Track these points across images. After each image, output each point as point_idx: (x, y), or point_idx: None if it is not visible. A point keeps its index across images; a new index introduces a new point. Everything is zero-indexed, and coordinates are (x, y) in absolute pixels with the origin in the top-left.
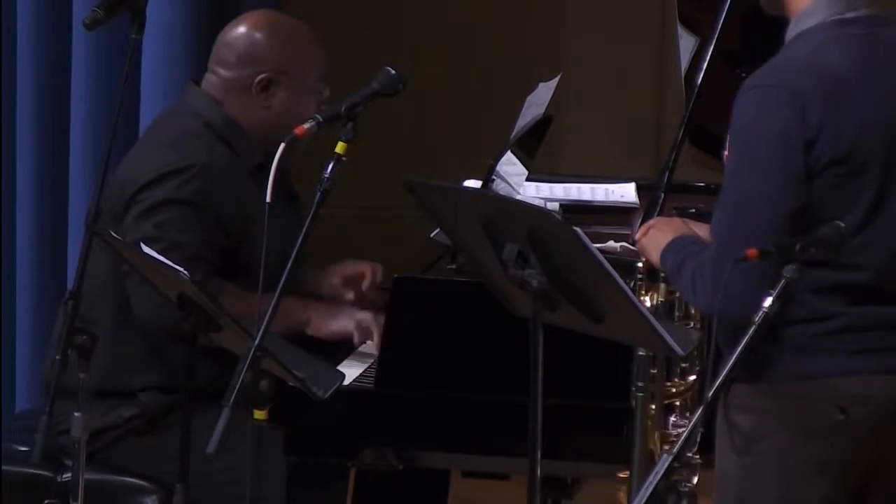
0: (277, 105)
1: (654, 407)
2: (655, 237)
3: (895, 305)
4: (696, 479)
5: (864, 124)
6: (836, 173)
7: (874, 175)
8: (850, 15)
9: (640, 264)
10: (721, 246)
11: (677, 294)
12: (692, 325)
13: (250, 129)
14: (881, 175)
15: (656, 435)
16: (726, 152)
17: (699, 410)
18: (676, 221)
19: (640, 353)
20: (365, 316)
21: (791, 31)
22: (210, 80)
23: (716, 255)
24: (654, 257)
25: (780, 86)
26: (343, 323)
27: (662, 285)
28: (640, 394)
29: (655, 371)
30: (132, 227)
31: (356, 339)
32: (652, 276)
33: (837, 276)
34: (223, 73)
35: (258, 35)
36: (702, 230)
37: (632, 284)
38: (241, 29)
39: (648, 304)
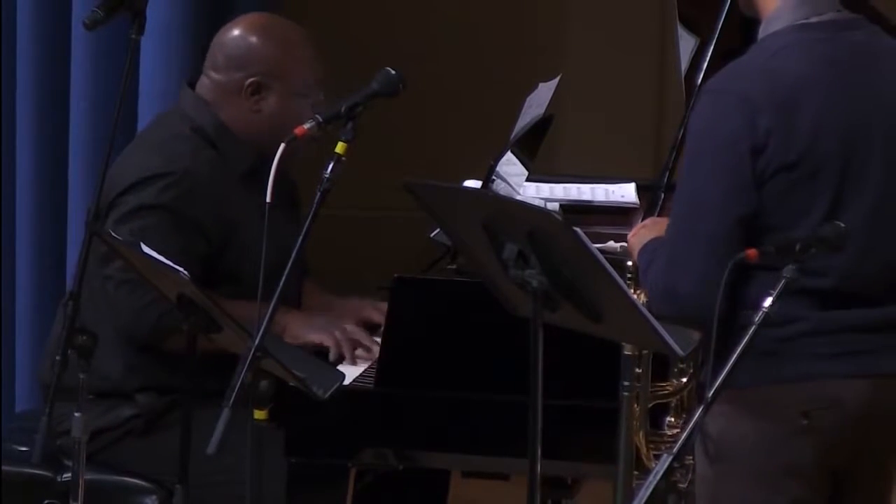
0: (268, 109)
1: (637, 407)
2: (642, 237)
3: (864, 308)
4: (689, 479)
5: (819, 129)
6: (788, 178)
7: (830, 180)
8: (813, 19)
9: (629, 263)
10: (669, 247)
11: None
12: None
13: (242, 133)
14: (838, 180)
15: (641, 434)
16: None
17: (699, 411)
18: (666, 222)
19: (626, 352)
20: (342, 335)
21: (761, 34)
22: (203, 83)
23: (664, 257)
24: (636, 257)
25: (731, 91)
26: (320, 336)
27: None
28: (626, 393)
29: (641, 370)
30: (111, 229)
31: (331, 356)
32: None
33: (800, 280)
34: (214, 76)
35: (250, 38)
36: None
37: None
38: (235, 32)
39: None
